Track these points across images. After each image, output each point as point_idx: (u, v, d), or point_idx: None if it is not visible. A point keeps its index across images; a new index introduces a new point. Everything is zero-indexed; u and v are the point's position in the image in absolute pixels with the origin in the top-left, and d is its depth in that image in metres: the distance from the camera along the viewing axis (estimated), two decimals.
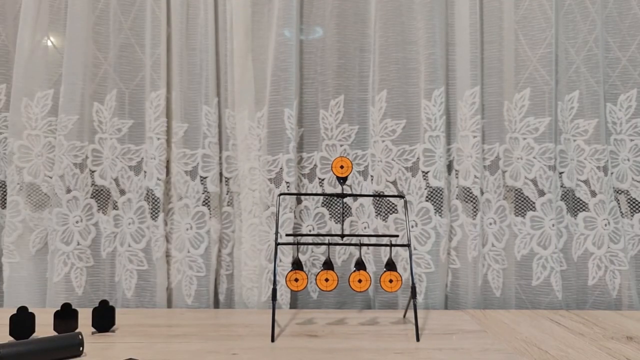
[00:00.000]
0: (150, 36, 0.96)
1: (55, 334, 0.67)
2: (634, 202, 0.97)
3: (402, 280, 0.74)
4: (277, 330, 0.76)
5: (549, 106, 0.95)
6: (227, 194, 0.99)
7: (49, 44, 0.98)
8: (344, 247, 0.97)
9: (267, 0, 0.98)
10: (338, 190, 0.96)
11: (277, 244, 0.73)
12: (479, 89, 0.95)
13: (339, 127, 0.98)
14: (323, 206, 0.98)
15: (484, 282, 0.96)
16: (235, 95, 0.98)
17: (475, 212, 0.95)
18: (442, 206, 0.94)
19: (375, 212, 0.96)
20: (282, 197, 0.93)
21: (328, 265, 0.73)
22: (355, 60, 0.99)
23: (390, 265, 0.74)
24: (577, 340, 0.71)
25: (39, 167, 0.96)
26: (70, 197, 0.94)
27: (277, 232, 0.74)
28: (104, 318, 0.74)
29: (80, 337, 0.63)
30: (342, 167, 0.75)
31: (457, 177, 0.97)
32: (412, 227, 0.94)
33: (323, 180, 0.98)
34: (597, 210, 0.95)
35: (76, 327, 0.70)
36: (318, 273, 0.72)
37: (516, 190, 0.97)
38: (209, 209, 0.96)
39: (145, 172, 0.97)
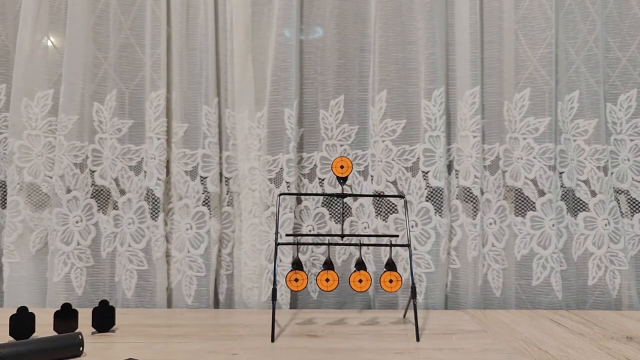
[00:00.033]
0: (150, 36, 0.96)
1: (55, 334, 0.67)
2: (634, 202, 0.97)
3: (402, 280, 0.74)
4: (277, 330, 0.76)
5: (549, 106, 0.95)
6: (227, 194, 0.99)
7: (49, 44, 0.98)
8: (344, 247, 0.97)
9: (267, 0, 0.98)
10: (338, 190, 0.96)
11: (277, 244, 0.73)
12: (479, 89, 0.95)
13: (339, 127, 0.98)
14: (323, 206, 0.98)
15: (484, 282, 0.96)
16: (235, 95, 0.98)
17: (475, 212, 0.95)
18: (442, 206, 0.94)
19: (375, 212, 0.96)
20: (282, 197, 0.93)
21: (328, 265, 0.73)
22: (355, 60, 0.99)
23: (390, 265, 0.74)
24: (577, 340, 0.71)
25: (39, 167, 0.96)
26: (70, 197, 0.94)
27: (277, 232, 0.74)
28: (104, 318, 0.74)
29: (80, 337, 0.63)
30: (342, 167, 0.75)
31: (457, 177, 0.97)
32: (412, 227, 0.94)
33: (323, 180, 0.98)
34: (597, 210, 0.95)
35: (76, 327, 0.70)
36: (319, 273, 0.72)
37: (516, 190, 0.97)
38: (209, 209, 0.96)
39: (145, 172, 0.97)
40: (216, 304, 0.98)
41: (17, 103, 0.95)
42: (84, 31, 0.95)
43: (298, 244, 0.76)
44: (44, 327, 0.69)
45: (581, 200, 0.96)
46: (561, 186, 0.97)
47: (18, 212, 0.95)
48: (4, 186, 0.98)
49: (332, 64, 0.98)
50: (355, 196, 0.98)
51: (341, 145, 0.98)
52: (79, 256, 0.95)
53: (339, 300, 0.97)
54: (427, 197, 0.95)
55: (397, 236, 0.80)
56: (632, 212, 0.97)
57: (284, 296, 0.94)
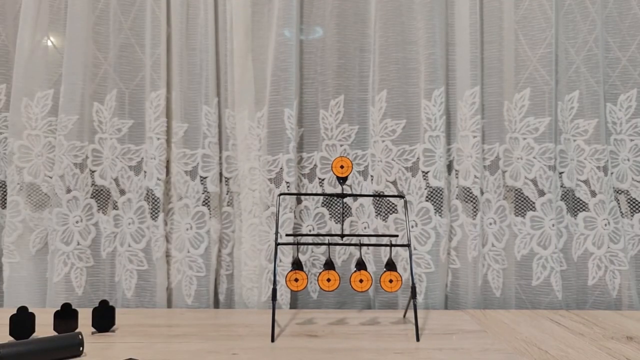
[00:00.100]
0: (150, 36, 0.96)
1: (55, 334, 0.67)
2: (634, 202, 0.97)
3: (402, 280, 0.74)
4: (277, 330, 0.76)
5: (549, 106, 0.95)
6: (227, 194, 0.99)
7: (49, 44, 0.98)
8: (344, 247, 0.97)
9: (267, 0, 0.98)
10: (338, 190, 0.96)
11: (277, 244, 0.73)
12: (479, 89, 0.95)
13: (339, 127, 0.98)
14: (323, 206, 0.98)
15: (484, 282, 0.96)
16: (235, 95, 0.98)
17: (475, 212, 0.95)
18: (442, 206, 0.94)
19: (375, 212, 0.96)
20: (282, 197, 0.93)
21: (329, 265, 0.73)
22: (355, 60, 0.99)
23: (390, 265, 0.74)
24: (577, 340, 0.71)
25: (39, 167, 0.96)
26: (70, 197, 0.94)
27: (277, 232, 0.74)
28: (104, 318, 0.74)
29: (80, 337, 0.63)
30: (342, 167, 0.75)
31: (457, 177, 0.97)
32: (412, 227, 0.94)
33: (323, 180, 0.98)
34: (597, 210, 0.95)
35: (76, 327, 0.70)
36: (320, 273, 0.72)
37: (516, 190, 0.97)
38: (209, 209, 0.96)
39: (145, 172, 0.97)
40: (216, 304, 0.98)
41: (17, 103, 0.95)
42: (84, 31, 0.95)
43: (298, 244, 0.76)
44: (44, 327, 0.69)
45: (581, 200, 0.96)
46: (561, 186, 0.97)
47: (18, 212, 0.95)
48: (4, 186, 0.98)
49: (332, 64, 0.98)
50: (355, 196, 0.98)
51: (341, 145, 0.98)
52: (79, 256, 0.95)
53: (339, 300, 0.97)
54: (427, 197, 0.95)
55: (397, 236, 0.80)
56: (632, 212, 0.97)
57: (284, 296, 0.94)
